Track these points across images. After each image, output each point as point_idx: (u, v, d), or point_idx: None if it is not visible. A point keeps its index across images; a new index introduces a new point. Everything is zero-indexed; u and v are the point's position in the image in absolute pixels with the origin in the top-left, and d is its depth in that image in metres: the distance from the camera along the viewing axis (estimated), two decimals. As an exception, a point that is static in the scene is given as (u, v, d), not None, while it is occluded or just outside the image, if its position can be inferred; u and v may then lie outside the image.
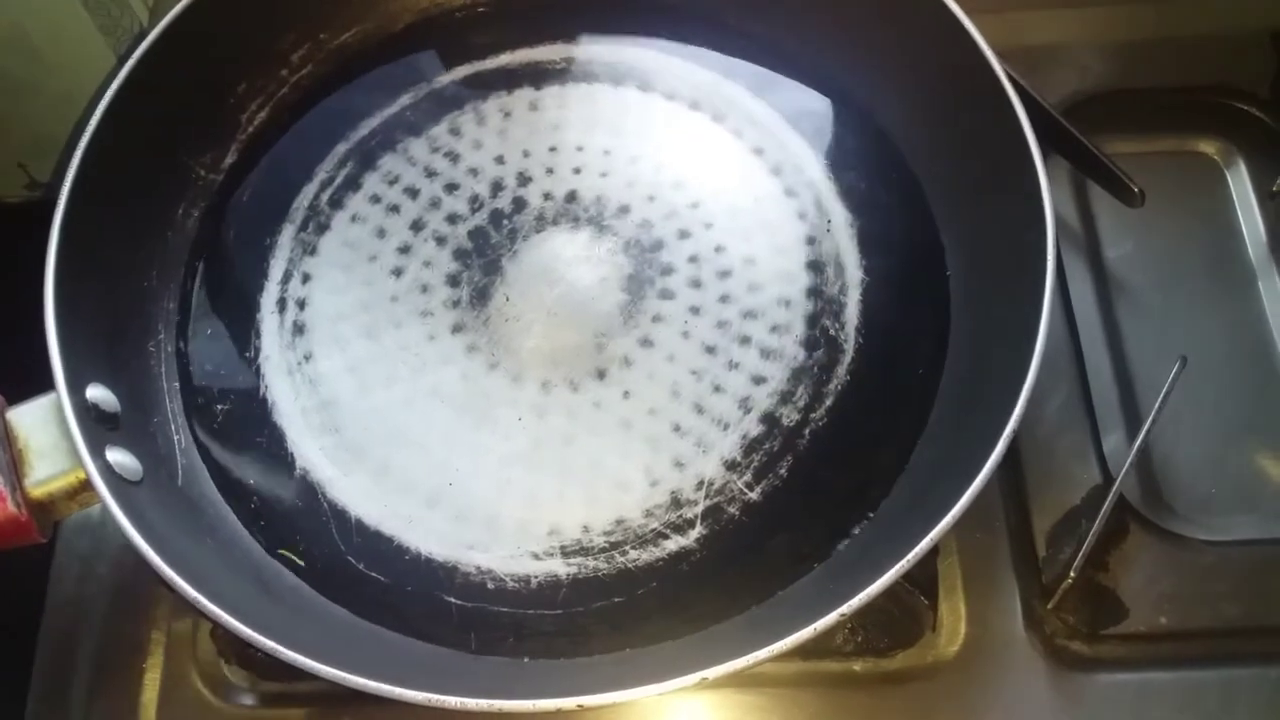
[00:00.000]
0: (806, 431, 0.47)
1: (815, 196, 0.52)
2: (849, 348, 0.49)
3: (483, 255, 0.52)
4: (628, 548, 0.46)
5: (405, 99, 0.56)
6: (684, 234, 0.51)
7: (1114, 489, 0.47)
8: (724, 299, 0.50)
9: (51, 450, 0.42)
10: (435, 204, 0.53)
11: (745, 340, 0.49)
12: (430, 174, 0.54)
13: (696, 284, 0.50)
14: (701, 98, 0.55)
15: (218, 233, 0.53)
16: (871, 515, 0.45)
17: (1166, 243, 0.57)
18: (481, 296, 0.51)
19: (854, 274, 0.51)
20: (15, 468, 0.42)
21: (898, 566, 0.38)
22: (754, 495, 0.46)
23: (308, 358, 0.50)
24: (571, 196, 0.53)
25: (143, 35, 0.50)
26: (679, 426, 0.48)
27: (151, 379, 0.49)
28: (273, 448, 0.48)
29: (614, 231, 0.52)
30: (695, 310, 0.50)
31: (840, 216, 0.52)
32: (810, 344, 0.49)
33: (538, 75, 0.56)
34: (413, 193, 0.53)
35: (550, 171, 0.53)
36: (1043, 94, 0.52)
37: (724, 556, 0.45)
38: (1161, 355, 0.52)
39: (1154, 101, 0.59)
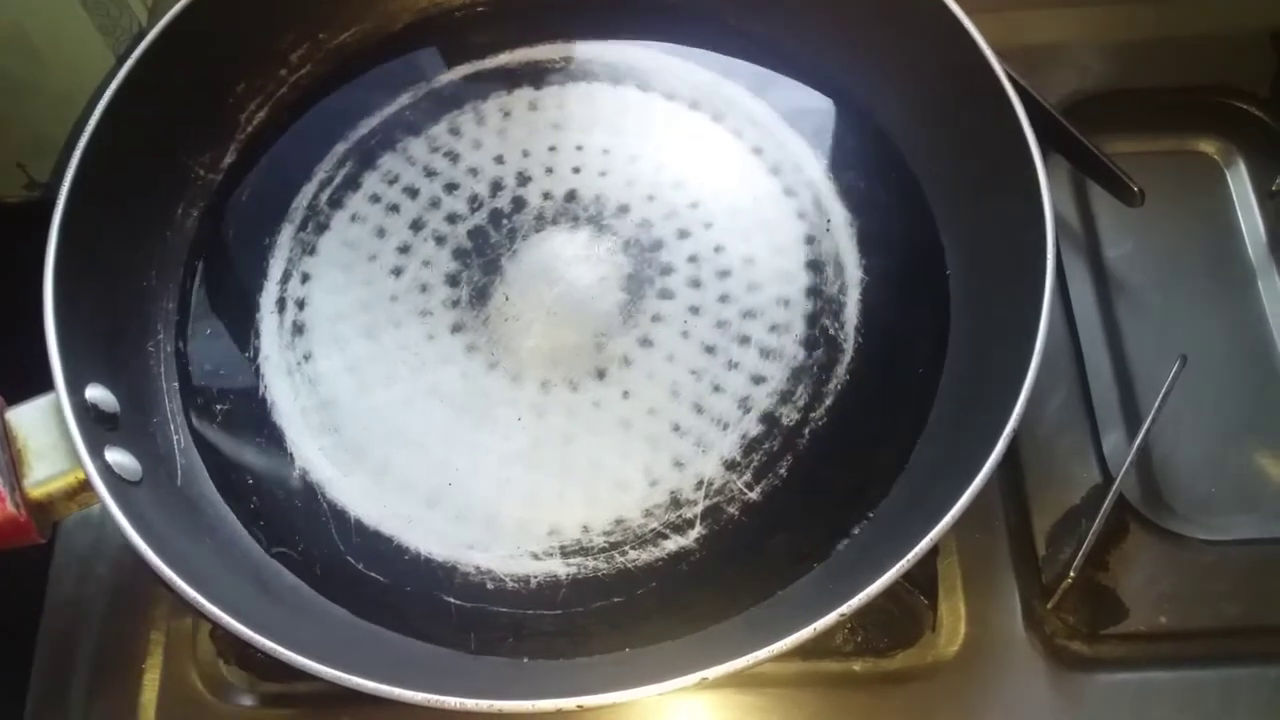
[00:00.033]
0: (806, 431, 0.47)
1: (814, 196, 0.52)
2: (848, 347, 0.49)
3: (482, 255, 0.52)
4: (627, 548, 0.45)
5: (404, 98, 0.56)
6: (683, 233, 0.51)
7: (1114, 488, 0.47)
8: (723, 298, 0.50)
9: (50, 450, 0.42)
10: (435, 203, 0.53)
11: (745, 340, 0.49)
12: (430, 173, 0.54)
13: (696, 283, 0.50)
14: (701, 97, 0.55)
15: (217, 232, 0.53)
16: (871, 515, 0.45)
17: (1166, 242, 0.57)
18: (481, 296, 0.51)
19: (853, 273, 0.51)
20: (14, 468, 0.42)
21: (897, 566, 0.38)
22: (753, 495, 0.46)
23: (307, 357, 0.50)
24: (571, 196, 0.53)
25: (142, 35, 0.50)
26: (678, 426, 0.48)
27: (151, 379, 0.49)
28: (272, 448, 0.48)
29: (613, 231, 0.52)
30: (695, 310, 0.50)
31: (840, 216, 0.52)
32: (810, 343, 0.49)
33: (537, 75, 0.56)
34: (412, 192, 0.53)
35: (550, 171, 0.53)
36: (1043, 94, 0.52)
37: (723, 556, 0.45)
38: (1161, 355, 0.52)
39: (1154, 101, 0.59)
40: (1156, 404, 0.49)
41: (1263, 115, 0.58)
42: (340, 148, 0.54)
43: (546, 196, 0.53)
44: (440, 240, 0.52)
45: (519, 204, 0.53)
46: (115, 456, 0.43)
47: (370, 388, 0.49)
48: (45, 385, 0.42)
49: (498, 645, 0.44)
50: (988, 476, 0.39)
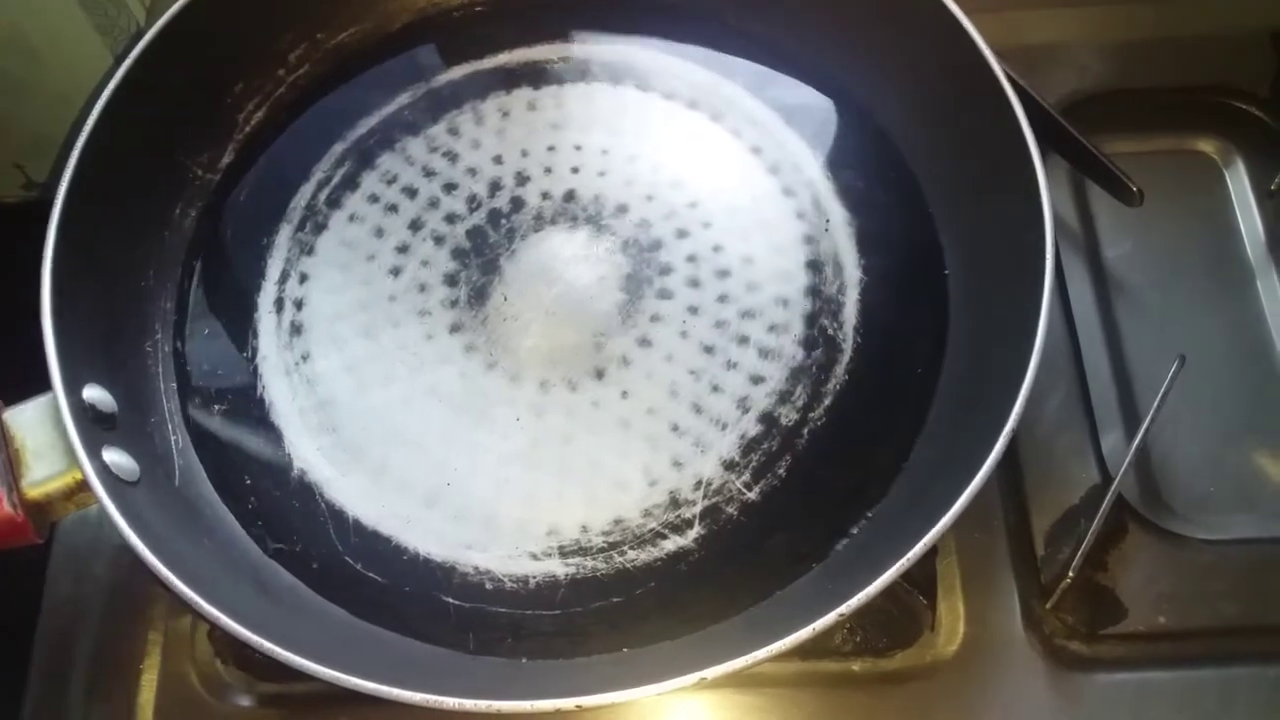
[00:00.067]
0: (805, 431, 0.47)
1: (813, 196, 0.52)
2: (847, 347, 0.49)
3: (481, 254, 0.51)
4: (626, 548, 0.45)
5: (403, 98, 0.56)
6: (682, 233, 0.51)
7: (1113, 488, 0.47)
8: (722, 298, 0.50)
9: (48, 451, 0.42)
10: (433, 203, 0.53)
11: (743, 340, 0.49)
12: (428, 173, 0.54)
13: (695, 283, 0.50)
14: (700, 97, 0.55)
15: (215, 232, 0.53)
16: (870, 515, 0.45)
17: (1165, 242, 0.57)
18: (479, 296, 0.51)
19: (852, 273, 0.51)
20: (12, 468, 0.42)
21: (896, 566, 0.38)
22: (752, 495, 0.46)
23: (305, 357, 0.50)
24: (570, 196, 0.53)
25: (140, 35, 0.50)
26: (677, 426, 0.47)
27: (149, 379, 0.49)
28: (270, 448, 0.48)
29: (612, 231, 0.52)
30: (693, 310, 0.50)
31: (839, 215, 0.52)
32: (808, 343, 0.49)
33: (536, 75, 0.56)
34: (411, 192, 0.53)
35: (548, 171, 0.53)
36: (1042, 94, 0.52)
37: (722, 556, 0.45)
38: (1160, 354, 0.52)
39: (1153, 101, 0.59)
40: (1155, 404, 0.49)
41: (1262, 115, 0.58)
42: (338, 148, 0.54)
43: (545, 196, 0.53)
44: (439, 240, 0.52)
45: (517, 204, 0.53)
46: (113, 456, 0.43)
47: (368, 387, 0.49)
48: (43, 385, 0.42)
49: (496, 645, 0.44)
50: (987, 476, 0.39)
